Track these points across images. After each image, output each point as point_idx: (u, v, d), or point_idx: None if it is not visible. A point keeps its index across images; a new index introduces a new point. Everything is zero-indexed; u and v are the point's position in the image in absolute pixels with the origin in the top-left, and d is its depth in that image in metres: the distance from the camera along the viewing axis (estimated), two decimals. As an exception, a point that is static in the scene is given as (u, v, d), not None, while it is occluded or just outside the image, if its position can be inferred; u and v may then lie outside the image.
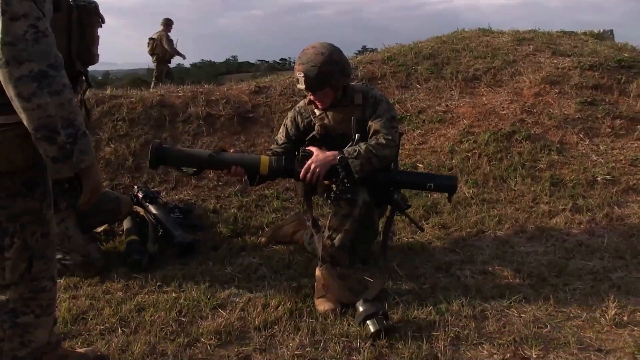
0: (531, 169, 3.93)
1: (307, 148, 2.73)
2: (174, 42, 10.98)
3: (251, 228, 3.52)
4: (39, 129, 1.43)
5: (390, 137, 2.69)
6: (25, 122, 1.44)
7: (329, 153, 2.65)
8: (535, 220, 3.43)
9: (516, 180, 3.83)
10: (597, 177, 3.76)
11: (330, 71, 2.66)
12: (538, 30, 6.21)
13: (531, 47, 5.50)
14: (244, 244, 3.32)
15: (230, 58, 78.11)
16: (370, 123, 2.77)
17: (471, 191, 3.76)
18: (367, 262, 3.01)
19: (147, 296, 2.70)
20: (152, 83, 10.20)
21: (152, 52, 10.91)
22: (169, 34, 10.80)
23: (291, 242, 3.31)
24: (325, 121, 2.85)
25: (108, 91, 4.69)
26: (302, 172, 2.62)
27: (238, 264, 3.05)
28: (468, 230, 3.38)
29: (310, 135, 2.90)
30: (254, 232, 3.47)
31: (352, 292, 2.61)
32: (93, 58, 1.83)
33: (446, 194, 2.92)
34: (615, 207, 3.48)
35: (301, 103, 2.99)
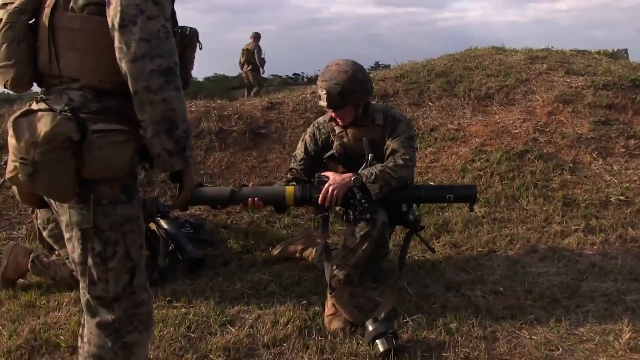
0: (543, 188, 3.90)
1: (322, 174, 2.73)
2: (263, 53, 12.03)
3: (262, 244, 3.52)
4: (162, 122, 1.47)
5: (408, 157, 2.68)
6: (145, 116, 1.48)
7: (344, 175, 2.65)
8: (547, 240, 3.40)
9: (528, 200, 3.80)
10: (610, 197, 3.72)
11: (352, 90, 2.67)
12: (551, 49, 6.20)
13: (544, 65, 5.48)
14: (254, 260, 3.32)
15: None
16: (388, 142, 2.76)
17: (483, 210, 3.73)
18: (377, 280, 3.00)
19: (156, 311, 2.68)
20: (254, 90, 11.54)
21: (246, 62, 11.96)
22: (258, 44, 11.88)
23: (301, 258, 3.30)
24: (345, 139, 2.85)
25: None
26: (321, 196, 2.61)
27: (248, 280, 3.04)
28: (479, 249, 3.36)
29: (329, 153, 2.91)
30: (264, 248, 3.47)
31: (362, 311, 2.60)
32: (189, 80, 1.84)
33: (467, 204, 2.91)
34: (629, 228, 3.44)
35: (321, 119, 2.99)
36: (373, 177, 2.59)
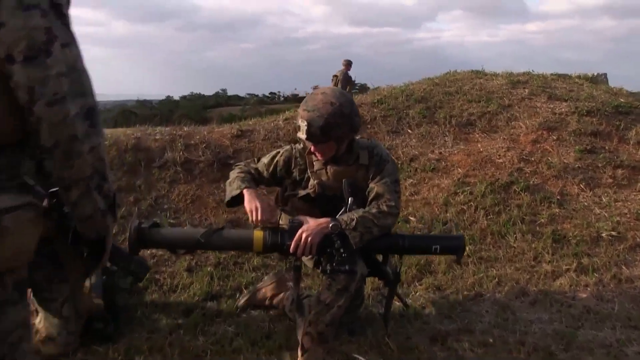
0: (531, 223, 3.69)
1: (295, 218, 2.42)
2: (353, 78, 12.50)
3: (228, 289, 3.21)
4: (93, 176, 1.21)
5: (393, 204, 2.39)
6: (70, 173, 1.18)
7: (321, 221, 2.33)
8: (538, 282, 3.17)
9: (516, 236, 3.58)
10: (601, 232, 3.52)
11: (337, 124, 2.36)
12: (532, 73, 6.08)
13: (526, 90, 5.34)
14: (219, 309, 3.00)
15: (220, 91, 78.65)
16: (372, 185, 2.47)
17: (468, 249, 3.48)
18: (353, 332, 2.71)
19: None
20: None
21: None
22: (349, 72, 12.21)
23: (270, 306, 2.99)
24: (324, 178, 2.53)
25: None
26: (293, 244, 2.30)
27: (212, 333, 2.73)
28: (465, 293, 3.10)
29: (304, 193, 2.59)
30: (230, 295, 3.16)
31: None
32: None
33: (454, 257, 2.61)
34: (623, 267, 3.23)
35: (299, 147, 2.65)
36: (353, 223, 2.30)
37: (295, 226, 2.33)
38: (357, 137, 2.63)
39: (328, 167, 2.53)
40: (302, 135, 2.41)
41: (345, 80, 12.15)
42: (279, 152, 2.67)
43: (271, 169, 2.63)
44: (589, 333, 2.66)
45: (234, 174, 2.59)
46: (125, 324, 2.82)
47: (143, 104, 65.56)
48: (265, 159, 2.68)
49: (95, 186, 1.22)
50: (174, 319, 2.89)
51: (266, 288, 3.03)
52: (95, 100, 1.21)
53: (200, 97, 72.65)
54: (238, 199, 2.49)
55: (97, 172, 1.21)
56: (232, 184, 2.53)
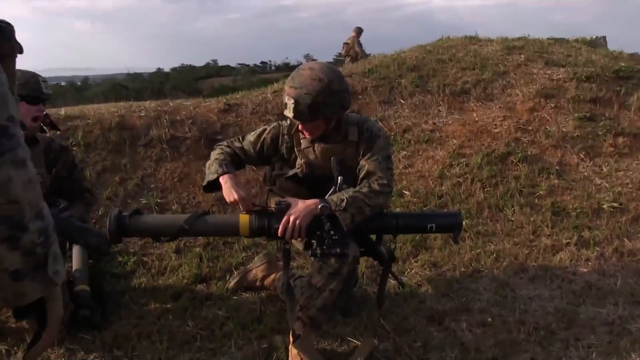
0: (530, 195, 3.58)
1: (282, 200, 2.29)
2: (362, 45, 12.16)
3: (218, 271, 3.11)
4: None
5: (385, 182, 2.26)
6: None
7: (309, 202, 2.20)
8: (537, 256, 3.07)
9: (514, 209, 3.47)
10: (602, 204, 3.42)
11: (325, 102, 2.21)
12: (528, 38, 5.90)
13: (522, 56, 5.17)
14: (209, 292, 2.91)
15: (211, 62, 77.85)
16: (362, 162, 2.33)
17: (465, 223, 3.37)
18: (348, 312, 2.63)
19: None
20: None
21: (346, 54, 12.29)
22: (359, 39, 12.08)
23: (261, 287, 2.90)
24: (311, 157, 2.40)
25: (63, 112, 4.25)
26: (281, 227, 2.18)
27: (201, 318, 2.65)
28: (462, 269, 3.01)
29: (291, 173, 2.46)
30: (220, 277, 3.06)
31: (332, 356, 2.28)
32: None
33: (451, 235, 2.49)
34: (625, 240, 3.13)
35: (286, 123, 2.49)
36: (344, 204, 2.17)
37: (283, 208, 2.21)
38: (347, 112, 2.49)
39: (316, 145, 2.39)
40: (289, 113, 2.26)
41: (359, 47, 12.14)
42: (265, 129, 2.52)
43: (258, 147, 2.49)
44: (591, 310, 2.59)
45: (214, 154, 2.44)
46: (112, 310, 2.73)
47: (134, 77, 64.93)
48: (251, 137, 2.54)
49: (4, 238, 0.89)
50: (163, 303, 2.80)
51: (257, 269, 2.93)
52: (9, 116, 0.90)
53: (191, 68, 71.97)
54: (216, 184, 2.35)
55: (4, 219, 0.89)
56: (211, 167, 2.38)
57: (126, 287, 2.97)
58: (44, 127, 2.75)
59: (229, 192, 2.26)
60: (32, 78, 2.54)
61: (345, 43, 12.55)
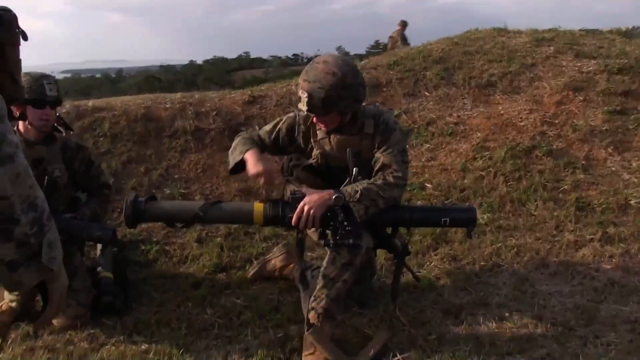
0: (553, 190, 3.51)
1: (297, 189, 2.31)
2: (407, 39, 12.05)
3: (238, 260, 3.16)
4: None
5: (400, 175, 2.27)
6: None
7: (323, 192, 2.22)
8: (559, 252, 3.02)
9: (537, 204, 3.41)
10: (629, 200, 3.33)
11: (339, 96, 2.23)
12: (559, 29, 5.75)
13: (552, 48, 5.05)
14: (228, 281, 2.96)
15: (243, 54, 78.30)
16: (378, 154, 2.34)
17: (486, 217, 3.34)
18: (365, 304, 2.63)
19: (113, 348, 2.37)
20: None
21: (391, 47, 12.18)
22: (404, 32, 12.01)
23: (280, 277, 2.93)
24: (327, 148, 2.42)
25: (90, 104, 4.34)
26: (295, 216, 2.20)
27: (220, 306, 2.71)
28: (482, 263, 2.98)
29: (307, 163, 2.48)
30: (240, 266, 3.11)
31: (347, 345, 2.28)
32: (19, 91, 1.22)
33: (463, 230, 2.49)
34: (652, 237, 3.05)
35: (303, 113, 2.48)
36: (358, 195, 2.18)
37: (297, 198, 2.23)
38: (365, 104, 2.49)
39: (331, 136, 2.41)
40: (302, 107, 2.28)
41: (402, 41, 12.04)
42: (281, 119, 2.56)
43: (273, 136, 2.52)
44: (613, 307, 2.53)
45: (235, 142, 2.49)
46: (134, 297, 2.81)
47: (166, 69, 65.78)
48: (267, 127, 2.57)
49: None
50: (183, 291, 2.87)
51: (275, 259, 2.97)
52: None
53: (223, 60, 72.53)
54: (242, 165, 2.38)
55: None
56: (234, 152, 2.42)
57: (148, 275, 3.04)
58: (59, 128, 2.81)
59: (253, 165, 2.28)
60: (36, 82, 2.55)
61: (391, 37, 12.48)
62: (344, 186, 2.25)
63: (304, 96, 2.25)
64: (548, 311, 2.52)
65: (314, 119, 2.38)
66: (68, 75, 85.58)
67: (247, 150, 2.34)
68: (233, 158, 2.41)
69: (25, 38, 1.17)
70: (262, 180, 2.27)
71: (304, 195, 2.24)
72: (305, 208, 2.19)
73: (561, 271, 2.86)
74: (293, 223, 2.22)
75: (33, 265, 1.00)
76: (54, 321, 2.55)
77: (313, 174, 2.47)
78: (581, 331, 2.36)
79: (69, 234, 2.59)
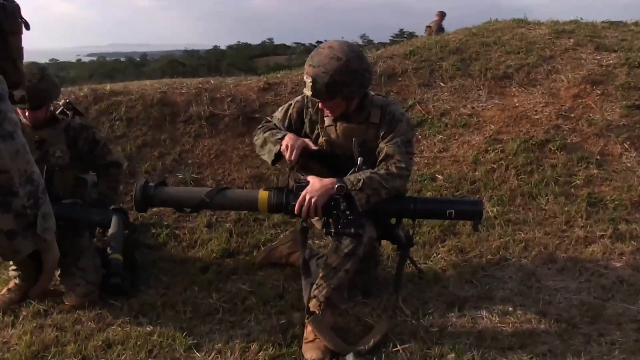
0: (565, 185, 3.47)
1: (303, 178, 2.33)
2: (444, 30, 12.10)
3: (246, 246, 3.19)
4: None
5: (403, 165, 2.27)
6: None
7: (326, 181, 2.23)
8: (568, 248, 2.99)
9: (547, 199, 3.38)
10: (643, 197, 3.27)
11: (343, 81, 2.22)
12: (580, 21, 5.63)
13: (571, 40, 4.95)
14: (235, 266, 3.00)
15: (267, 40, 78.06)
16: (382, 145, 2.34)
17: (495, 209, 3.32)
18: (369, 293, 2.64)
19: (119, 329, 2.42)
20: None
21: (428, 38, 12.52)
22: (442, 23, 11.96)
23: (287, 264, 2.96)
24: (333, 135, 2.42)
25: (108, 87, 4.39)
26: (297, 205, 2.22)
27: (226, 291, 2.74)
28: (489, 257, 2.97)
29: (314, 150, 2.49)
30: (248, 252, 3.14)
31: (348, 334, 2.30)
32: (22, 79, 1.27)
33: (470, 222, 2.47)
34: (665, 235, 3.00)
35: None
36: (360, 184, 2.19)
37: (301, 186, 2.25)
38: (373, 94, 2.48)
39: (338, 124, 2.41)
40: (307, 92, 2.29)
41: (438, 32, 11.78)
42: (290, 104, 2.58)
43: (286, 123, 2.54)
44: (619, 306, 2.50)
45: (260, 136, 2.48)
46: (142, 279, 2.86)
47: (190, 54, 65.98)
48: (278, 114, 2.59)
49: None
50: (190, 275, 2.91)
51: (283, 246, 3.00)
52: None
53: (247, 46, 72.46)
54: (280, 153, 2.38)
55: None
56: (266, 145, 2.42)
57: (157, 258, 3.09)
58: (67, 112, 2.84)
59: (286, 140, 2.33)
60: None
61: (428, 26, 12.36)
62: (348, 175, 2.26)
63: (308, 81, 2.26)
64: (553, 307, 2.50)
65: (320, 105, 2.38)
66: (94, 58, 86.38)
67: (283, 137, 2.36)
68: (269, 150, 2.40)
69: (28, 27, 1.23)
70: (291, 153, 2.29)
71: (307, 184, 2.26)
72: (307, 196, 2.21)
73: (569, 267, 2.83)
74: (295, 211, 2.24)
75: (29, 235, 1.08)
76: (65, 300, 2.61)
77: (319, 162, 2.47)
78: (585, 328, 2.34)
79: (70, 220, 2.65)
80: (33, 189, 1.06)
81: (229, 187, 2.57)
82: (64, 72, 40.65)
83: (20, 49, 1.23)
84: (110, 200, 2.88)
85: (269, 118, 2.63)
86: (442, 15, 12.05)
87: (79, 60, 77.08)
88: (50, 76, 2.67)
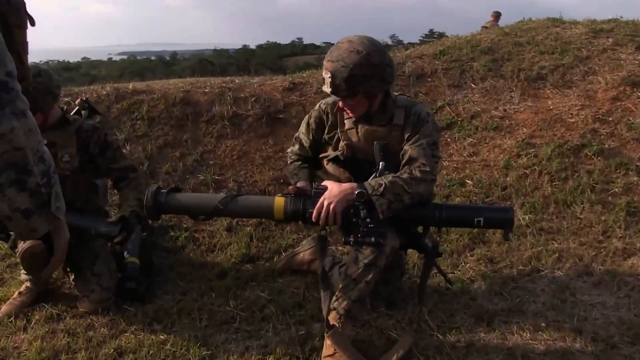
0: (602, 192, 3.31)
1: (321, 184, 2.22)
2: None
3: (266, 251, 3.10)
4: (5, 170, 1.01)
5: (428, 169, 2.13)
6: None
7: (345, 186, 2.12)
8: (605, 260, 2.83)
9: (583, 207, 3.22)
10: (687, 206, 3.09)
11: (364, 76, 2.11)
12: (620, 20, 5.41)
13: (610, 40, 4.75)
14: (255, 272, 2.91)
15: (296, 40, 78.30)
16: (406, 147, 2.21)
17: (527, 217, 3.17)
18: (394, 304, 2.52)
19: (132, 336, 2.35)
20: None
21: None
22: (497, 23, 11.74)
23: (308, 271, 2.85)
24: (354, 139, 2.31)
25: (130, 86, 4.35)
26: (315, 212, 2.11)
27: (243, 299, 2.65)
28: (520, 267, 2.82)
29: (333, 155, 2.38)
30: (268, 258, 3.05)
31: (369, 348, 2.20)
32: (27, 74, 1.28)
33: (500, 231, 2.34)
34: None
35: (329, 100, 2.42)
36: (381, 189, 2.07)
37: (319, 193, 2.14)
38: (397, 94, 2.36)
39: (359, 127, 2.29)
40: (326, 88, 2.18)
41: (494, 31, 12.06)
42: (309, 115, 2.50)
43: (311, 135, 2.46)
44: (663, 324, 2.33)
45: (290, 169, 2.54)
46: (159, 284, 2.79)
47: (220, 53, 66.55)
48: (302, 128, 2.53)
49: (11, 182, 1.02)
50: (208, 281, 2.83)
51: (304, 252, 2.90)
52: (7, 72, 0.98)
53: (276, 46, 72.80)
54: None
55: (11, 165, 1.01)
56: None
57: (175, 262, 3.02)
58: (82, 112, 2.77)
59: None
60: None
61: (484, 27, 12.13)
62: (369, 180, 2.14)
63: (327, 77, 2.15)
64: (589, 324, 2.35)
65: (340, 104, 2.27)
66: (124, 57, 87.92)
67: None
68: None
69: (33, 23, 1.24)
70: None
71: (325, 189, 2.15)
72: (325, 203, 2.10)
73: (606, 281, 2.67)
74: (313, 219, 2.13)
75: (44, 213, 1.10)
76: (79, 305, 2.55)
77: (340, 167, 2.36)
78: (626, 349, 2.18)
79: (78, 230, 2.56)
80: (45, 169, 1.08)
81: (243, 193, 2.48)
82: (95, 71, 41.39)
83: (25, 44, 1.24)
84: (139, 217, 2.71)
85: (293, 141, 2.56)
86: (497, 15, 11.89)
87: (110, 58, 78.40)
88: (44, 82, 2.48)
